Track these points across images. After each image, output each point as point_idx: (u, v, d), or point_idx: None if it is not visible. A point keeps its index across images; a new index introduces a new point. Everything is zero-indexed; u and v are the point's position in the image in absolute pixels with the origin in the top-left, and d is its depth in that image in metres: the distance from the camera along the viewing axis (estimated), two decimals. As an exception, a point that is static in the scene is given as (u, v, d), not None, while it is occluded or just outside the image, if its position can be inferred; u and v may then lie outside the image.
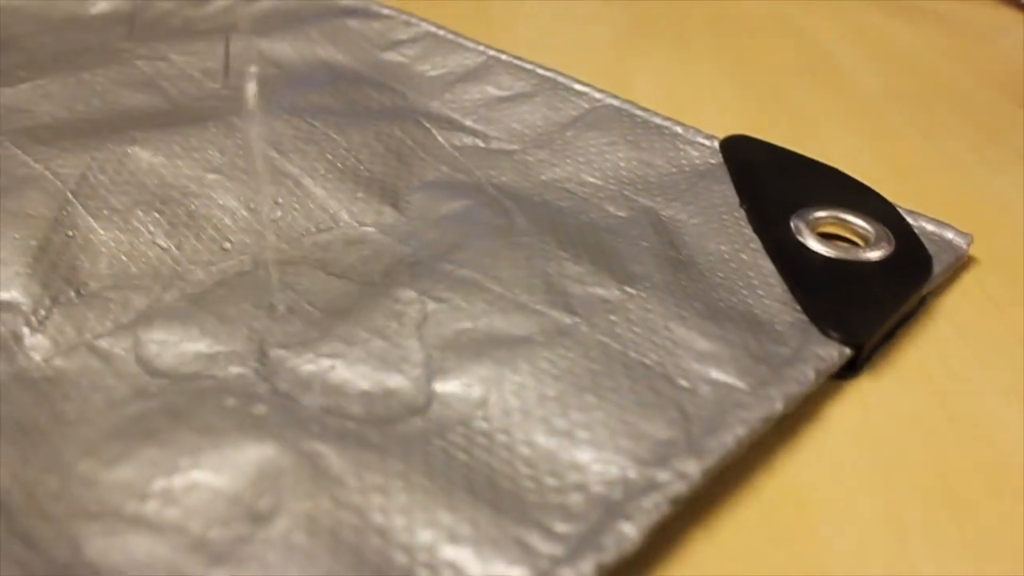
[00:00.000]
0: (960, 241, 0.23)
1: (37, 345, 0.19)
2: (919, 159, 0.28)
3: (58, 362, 0.19)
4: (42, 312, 0.20)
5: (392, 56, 0.30)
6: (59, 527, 0.16)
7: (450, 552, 0.15)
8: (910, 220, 0.23)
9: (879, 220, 0.23)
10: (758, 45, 0.34)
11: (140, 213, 0.22)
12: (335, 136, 0.25)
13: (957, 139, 0.29)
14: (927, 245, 0.22)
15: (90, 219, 0.22)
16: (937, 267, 0.22)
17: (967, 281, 0.23)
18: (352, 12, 0.32)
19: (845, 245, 0.22)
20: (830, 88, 0.31)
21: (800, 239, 0.22)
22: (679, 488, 0.16)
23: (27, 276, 0.20)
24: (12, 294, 0.20)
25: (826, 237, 0.23)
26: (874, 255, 0.22)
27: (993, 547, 0.17)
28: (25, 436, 0.17)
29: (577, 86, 0.28)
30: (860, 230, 0.23)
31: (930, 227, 0.23)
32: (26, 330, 0.19)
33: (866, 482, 0.18)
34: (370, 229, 0.23)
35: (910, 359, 0.21)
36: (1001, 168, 0.27)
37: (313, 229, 0.23)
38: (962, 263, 0.23)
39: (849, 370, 0.20)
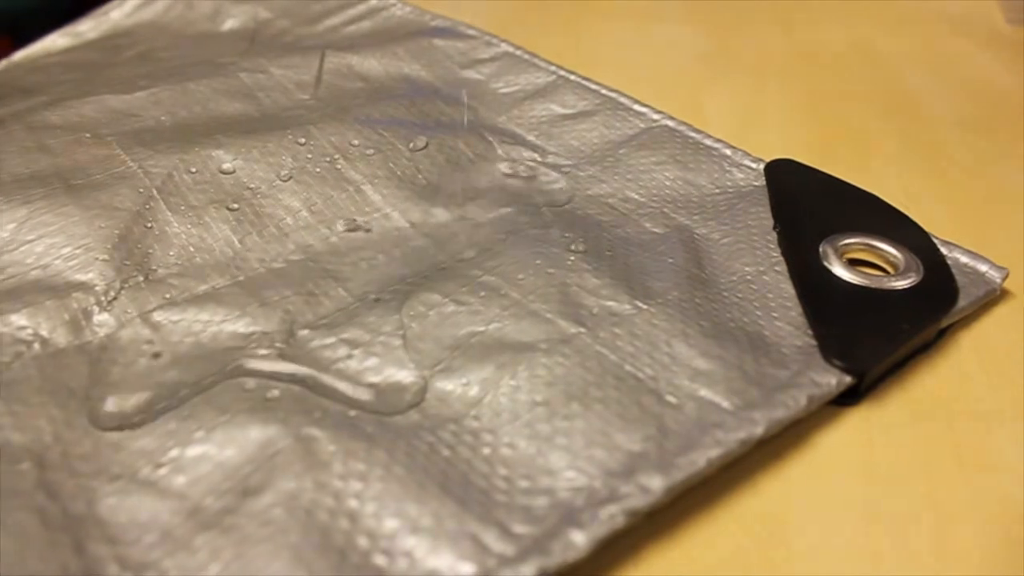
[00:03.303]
0: (994, 275, 0.21)
1: (103, 322, 0.20)
2: (977, 191, 0.25)
3: (115, 331, 0.20)
4: (112, 294, 0.21)
5: (470, 74, 0.30)
6: (81, 483, 0.16)
7: (409, 541, 0.15)
8: (944, 251, 0.21)
9: (911, 249, 0.21)
10: (834, 74, 0.32)
11: (213, 210, 0.23)
12: (400, 147, 0.25)
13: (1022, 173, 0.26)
14: (958, 277, 0.21)
15: (168, 213, 0.23)
16: (964, 300, 0.20)
17: (1003, 316, 0.21)
18: (440, 32, 0.32)
19: (872, 272, 0.21)
20: (900, 117, 0.29)
21: (826, 264, 0.21)
22: (638, 502, 0.15)
23: (104, 262, 0.21)
24: (90, 276, 0.21)
25: (857, 263, 0.21)
26: (899, 284, 0.20)
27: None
28: (72, 399, 0.18)
29: (637, 106, 0.27)
30: (890, 257, 0.21)
31: (964, 259, 0.21)
32: (96, 308, 0.20)
33: (852, 516, 0.17)
34: (416, 232, 0.23)
35: (926, 391, 0.19)
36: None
37: (366, 229, 0.23)
38: (994, 297, 0.21)
39: (851, 397, 0.18)
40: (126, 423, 0.18)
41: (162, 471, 0.17)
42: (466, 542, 0.15)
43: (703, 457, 0.16)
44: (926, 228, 0.22)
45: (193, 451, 0.17)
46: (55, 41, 0.35)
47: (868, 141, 0.28)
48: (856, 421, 0.18)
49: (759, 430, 0.17)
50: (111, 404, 0.18)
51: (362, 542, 0.15)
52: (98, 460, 0.17)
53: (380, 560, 0.15)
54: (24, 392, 0.18)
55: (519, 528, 0.15)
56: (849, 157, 0.27)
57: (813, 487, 0.17)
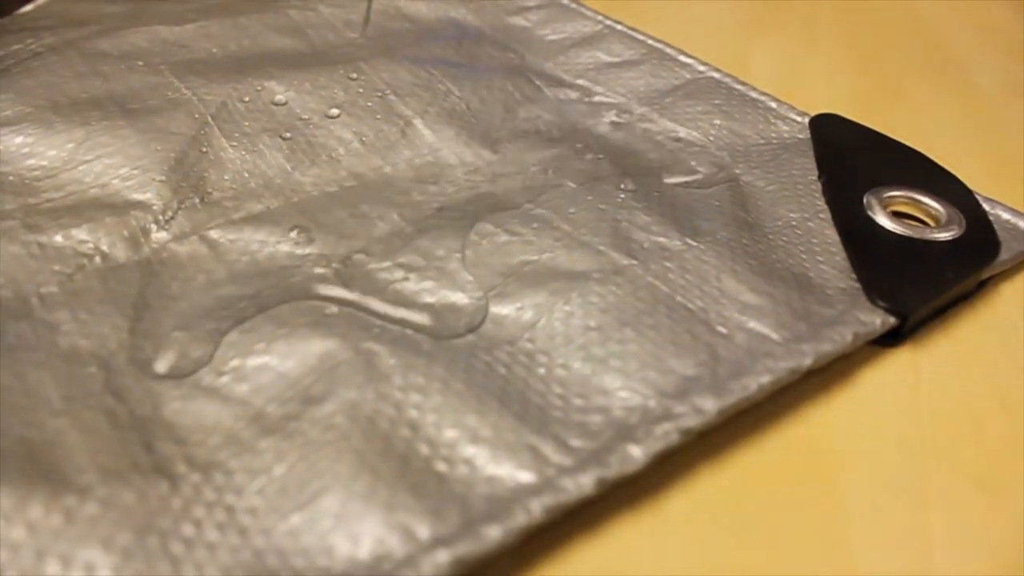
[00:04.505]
0: (1036, 231, 0.21)
1: (161, 240, 0.20)
2: (1020, 152, 0.26)
3: (173, 247, 0.20)
4: (169, 213, 0.21)
5: (517, 20, 0.30)
6: (147, 387, 0.17)
7: (469, 450, 0.15)
8: (986, 207, 0.22)
9: (953, 203, 0.21)
10: (881, 37, 0.32)
11: (266, 138, 0.23)
12: (450, 85, 0.26)
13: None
14: (999, 232, 0.21)
15: (223, 139, 0.23)
16: (1005, 254, 0.20)
17: (1045, 271, 0.21)
18: (487, -21, 0.32)
19: (915, 224, 0.21)
20: (947, 81, 0.29)
21: (870, 214, 0.21)
22: (692, 422, 0.16)
23: (161, 183, 0.22)
24: (148, 196, 0.21)
25: (898, 216, 0.22)
26: (942, 236, 0.21)
27: (1019, 533, 0.16)
28: (135, 311, 0.19)
29: (682, 58, 0.28)
30: (932, 211, 0.22)
31: (1006, 215, 0.22)
32: (154, 226, 0.21)
33: (896, 444, 0.17)
34: (466, 166, 0.23)
35: (969, 337, 0.20)
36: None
37: (417, 162, 0.23)
38: (1036, 253, 0.21)
39: (893, 339, 0.19)
40: (187, 330, 0.18)
41: (224, 379, 0.17)
42: (525, 453, 0.15)
43: (754, 382, 0.17)
44: (969, 186, 0.23)
45: (254, 361, 0.17)
46: (98, -24, 0.35)
47: (913, 100, 0.28)
48: (901, 361, 0.19)
49: (808, 361, 0.17)
50: (173, 312, 0.18)
51: (423, 449, 0.16)
52: (161, 367, 0.17)
53: (441, 466, 0.15)
54: (88, 302, 0.19)
55: (575, 442, 0.16)
56: (894, 115, 0.27)
57: (859, 420, 0.18)
